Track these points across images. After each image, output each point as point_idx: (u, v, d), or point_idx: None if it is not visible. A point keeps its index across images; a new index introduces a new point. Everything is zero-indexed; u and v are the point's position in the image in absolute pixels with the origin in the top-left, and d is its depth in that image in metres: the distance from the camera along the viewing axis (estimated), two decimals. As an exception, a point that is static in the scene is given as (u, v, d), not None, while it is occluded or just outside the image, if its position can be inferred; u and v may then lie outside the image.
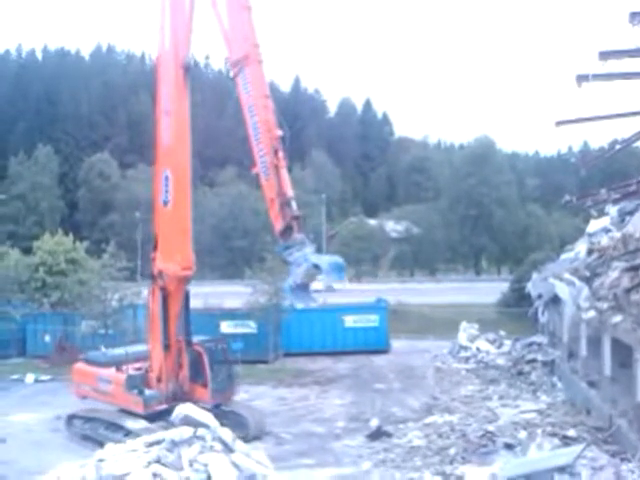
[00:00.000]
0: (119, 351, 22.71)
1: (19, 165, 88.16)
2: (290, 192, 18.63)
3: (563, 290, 25.25)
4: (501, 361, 31.72)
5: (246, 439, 19.44)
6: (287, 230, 18.43)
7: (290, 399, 26.42)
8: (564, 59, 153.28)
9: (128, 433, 18.97)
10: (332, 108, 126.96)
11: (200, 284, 60.44)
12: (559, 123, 32.19)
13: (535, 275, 36.97)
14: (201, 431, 14.52)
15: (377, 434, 20.59)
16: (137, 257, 63.06)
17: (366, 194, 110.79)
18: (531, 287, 36.02)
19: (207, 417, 15.29)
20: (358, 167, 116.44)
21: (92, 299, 34.37)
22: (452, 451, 18.22)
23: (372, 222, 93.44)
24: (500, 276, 79.98)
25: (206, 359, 20.58)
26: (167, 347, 20.65)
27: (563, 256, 34.66)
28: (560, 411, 22.02)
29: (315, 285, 20.63)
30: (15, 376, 31.44)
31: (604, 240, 26.06)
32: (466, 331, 35.87)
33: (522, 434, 18.75)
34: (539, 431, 18.69)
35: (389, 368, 32.41)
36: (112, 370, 21.22)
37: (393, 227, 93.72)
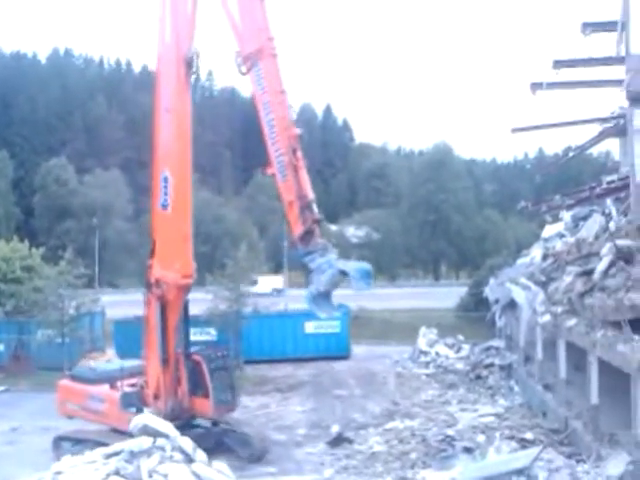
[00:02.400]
0: (110, 366, 21.42)
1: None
2: (311, 194, 17.75)
3: (519, 294, 25.70)
4: (460, 365, 32.10)
5: (251, 459, 18.96)
6: (306, 235, 17.53)
7: (251, 407, 26.28)
8: (519, 67, 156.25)
9: None
10: (293, 114, 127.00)
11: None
12: (515, 130, 32.87)
13: (492, 280, 37.47)
14: (160, 441, 14.33)
15: (338, 441, 20.64)
16: (95, 264, 62.07)
17: (327, 200, 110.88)
18: (488, 292, 36.50)
19: (166, 426, 15.12)
20: (319, 173, 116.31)
21: (48, 307, 33.73)
22: (413, 456, 18.42)
23: (333, 228, 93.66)
24: (458, 281, 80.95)
25: (205, 368, 19.36)
26: (165, 361, 19.28)
27: (519, 261, 35.19)
28: (517, 414, 22.43)
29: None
30: (-32, 387, 30.70)
31: (558, 245, 26.62)
32: (425, 336, 36.23)
33: (481, 438, 19.06)
34: (497, 434, 19.05)
35: (350, 374, 32.51)
36: (104, 387, 19.94)
37: (354, 233, 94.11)
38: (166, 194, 19.23)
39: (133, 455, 13.86)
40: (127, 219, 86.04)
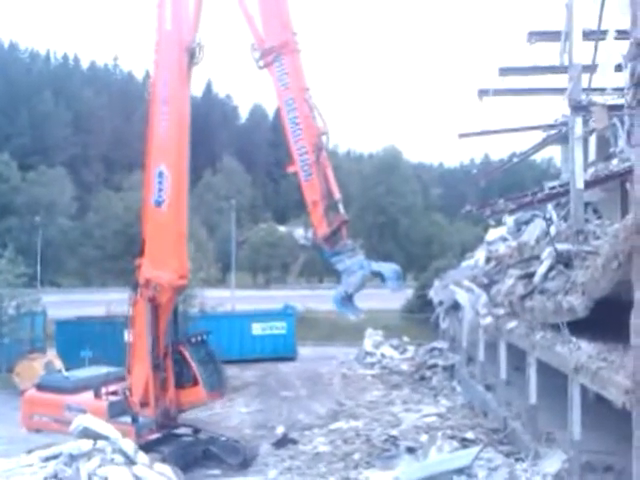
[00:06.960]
0: (85, 373, 20.11)
1: None
2: (337, 194, 17.28)
3: (463, 297, 26.12)
4: (405, 366, 32.51)
5: (241, 466, 18.46)
6: (332, 235, 17.09)
7: (196, 408, 26.02)
8: (467, 74, 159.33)
9: None
10: (243, 114, 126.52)
11: (104, 291, 59.05)
12: (462, 135, 33.33)
13: (437, 282, 37.98)
14: (101, 443, 14.13)
15: (283, 441, 20.66)
16: (37, 262, 60.50)
17: (276, 201, 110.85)
18: (433, 294, 37.01)
19: (107, 428, 14.89)
20: (269, 174, 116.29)
21: (-14, 307, 32.80)
22: (356, 456, 18.56)
23: (282, 229, 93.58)
24: (405, 283, 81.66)
25: (189, 355, 18.46)
26: (157, 367, 18.20)
27: (464, 264, 35.77)
28: (459, 414, 22.84)
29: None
30: None
31: (501, 248, 27.16)
32: (371, 337, 36.56)
33: (423, 438, 19.32)
34: (439, 434, 19.31)
35: (296, 375, 32.55)
36: (86, 396, 18.51)
37: (302, 234, 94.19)
38: (161, 190, 18.34)
39: (72, 458, 13.64)
40: (71, 217, 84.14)
